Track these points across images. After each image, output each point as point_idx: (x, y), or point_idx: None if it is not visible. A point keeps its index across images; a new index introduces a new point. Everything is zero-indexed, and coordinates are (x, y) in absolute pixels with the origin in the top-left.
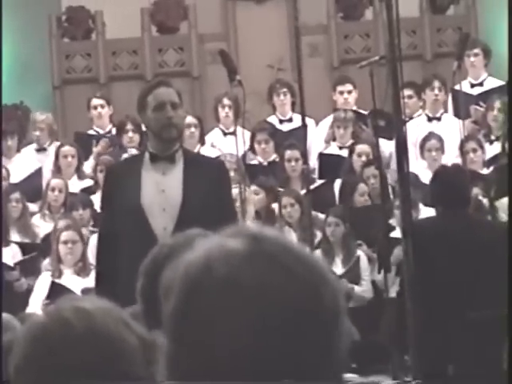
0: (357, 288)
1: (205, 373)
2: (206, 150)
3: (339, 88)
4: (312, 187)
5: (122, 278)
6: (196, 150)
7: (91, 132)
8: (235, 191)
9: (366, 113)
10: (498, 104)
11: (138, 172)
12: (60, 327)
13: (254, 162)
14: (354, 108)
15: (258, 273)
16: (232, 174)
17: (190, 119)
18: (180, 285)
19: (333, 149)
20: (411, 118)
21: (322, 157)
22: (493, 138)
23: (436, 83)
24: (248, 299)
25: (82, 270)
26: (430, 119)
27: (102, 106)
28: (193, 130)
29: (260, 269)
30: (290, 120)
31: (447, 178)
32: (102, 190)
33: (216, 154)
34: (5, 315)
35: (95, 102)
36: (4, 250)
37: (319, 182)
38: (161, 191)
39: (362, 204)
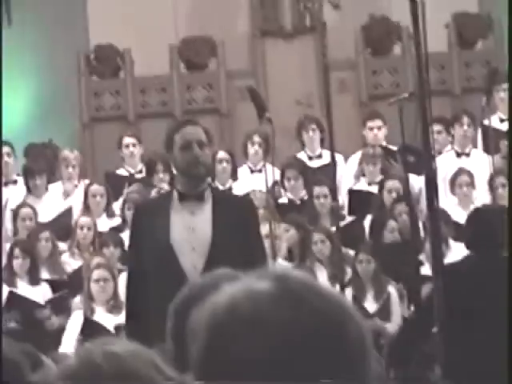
0: (388, 326)
1: None
2: (238, 185)
3: (369, 124)
4: (342, 224)
5: (152, 316)
6: (228, 186)
7: (121, 171)
8: (266, 228)
9: (395, 149)
10: None
11: (166, 211)
12: (91, 372)
13: (284, 199)
14: (384, 143)
15: (283, 311)
16: (262, 211)
17: (222, 154)
18: (205, 326)
19: (362, 185)
20: (440, 154)
21: (351, 193)
22: None
23: (465, 119)
24: (273, 338)
25: (113, 307)
26: (458, 155)
27: (134, 145)
28: (225, 165)
29: (285, 307)
30: (320, 156)
31: (481, 222)
32: (131, 228)
33: (246, 190)
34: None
35: (127, 140)
36: (34, 288)
37: (349, 218)
38: (190, 230)
39: (392, 240)
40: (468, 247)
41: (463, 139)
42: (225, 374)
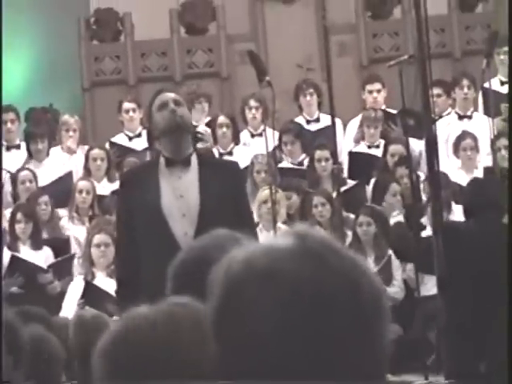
0: (389, 289)
1: (248, 366)
2: (240, 150)
3: (368, 87)
4: (344, 188)
5: (143, 283)
6: (229, 150)
7: (121, 136)
8: (266, 193)
9: (395, 112)
10: None
11: (155, 177)
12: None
13: (285, 163)
14: (383, 107)
15: (299, 267)
16: (263, 175)
17: (222, 119)
18: (222, 279)
19: (362, 148)
20: (440, 117)
21: (351, 155)
22: None
23: (465, 81)
24: (288, 293)
25: (114, 272)
26: (460, 117)
27: (134, 110)
28: (225, 129)
29: (300, 263)
30: (317, 120)
31: (480, 192)
32: (119, 196)
33: (248, 154)
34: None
35: (127, 105)
36: (36, 253)
37: (350, 181)
38: (179, 197)
39: (395, 203)
40: (466, 216)
41: (464, 102)
42: (239, 326)
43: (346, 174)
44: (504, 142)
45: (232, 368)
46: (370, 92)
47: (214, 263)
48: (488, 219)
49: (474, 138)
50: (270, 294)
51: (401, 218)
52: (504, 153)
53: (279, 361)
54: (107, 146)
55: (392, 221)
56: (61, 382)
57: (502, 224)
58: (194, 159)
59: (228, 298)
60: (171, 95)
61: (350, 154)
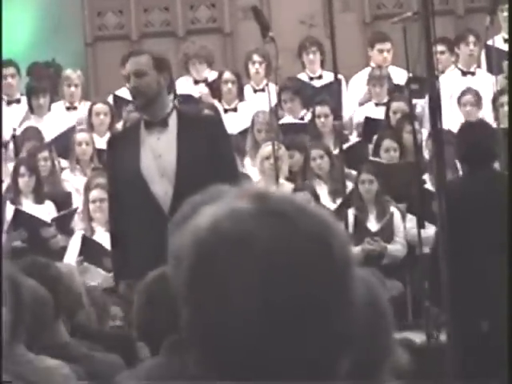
0: (390, 246)
1: (219, 333)
2: (244, 106)
3: (378, 46)
4: (347, 145)
5: (131, 242)
6: (234, 106)
7: (124, 90)
8: (269, 149)
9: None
10: None
11: (136, 139)
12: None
13: (287, 119)
14: (390, 66)
15: (266, 228)
16: (263, 134)
17: (227, 75)
18: (189, 249)
19: (369, 107)
20: (443, 73)
21: (368, 120)
22: None
23: (471, 38)
24: (257, 255)
25: None
26: (464, 73)
27: None
28: (230, 85)
29: (267, 225)
30: (320, 77)
31: (471, 135)
32: (107, 157)
33: (252, 111)
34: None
35: None
36: (39, 207)
37: (353, 139)
38: (158, 157)
39: (389, 160)
40: (461, 162)
41: (469, 58)
42: (210, 293)
43: (349, 132)
44: (505, 99)
45: (201, 332)
46: (381, 51)
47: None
48: (482, 167)
49: (476, 94)
50: (240, 258)
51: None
52: (506, 110)
53: (249, 318)
54: (110, 99)
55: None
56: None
57: (496, 172)
58: (173, 119)
59: (198, 266)
60: (134, 66)
61: (367, 119)
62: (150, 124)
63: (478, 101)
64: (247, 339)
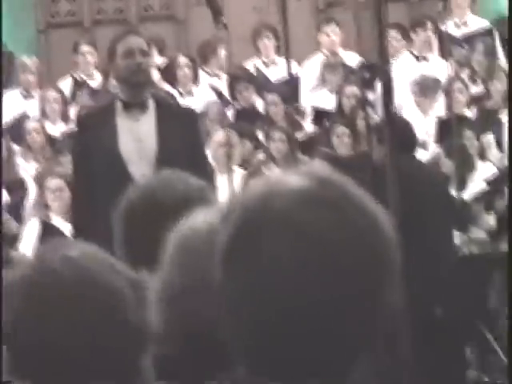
0: None
1: (254, 305)
2: (200, 91)
3: (325, 29)
4: (302, 133)
5: (100, 228)
6: (189, 90)
7: (76, 76)
8: (221, 136)
9: (352, 65)
10: (480, 47)
11: (112, 120)
12: (48, 278)
13: (238, 107)
14: (340, 50)
15: (314, 216)
16: (215, 123)
17: (182, 59)
18: (236, 215)
19: (323, 94)
20: (395, 59)
21: (315, 110)
22: (476, 78)
23: (428, 24)
24: (301, 238)
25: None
26: (417, 58)
27: (91, 54)
28: (186, 70)
29: (317, 212)
30: (275, 63)
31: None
32: (75, 139)
33: (210, 96)
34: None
35: (84, 48)
36: None
37: (307, 127)
38: (137, 139)
39: (341, 146)
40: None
41: (424, 44)
42: (248, 264)
43: (304, 120)
44: (458, 85)
45: (234, 299)
46: (327, 34)
47: (163, 205)
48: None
49: (430, 80)
50: (284, 240)
51: None
52: (458, 95)
53: (283, 296)
54: (65, 84)
55: None
56: None
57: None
58: (151, 103)
59: (243, 232)
60: (138, 43)
61: (313, 108)
62: (128, 105)
63: (432, 86)
64: (277, 310)
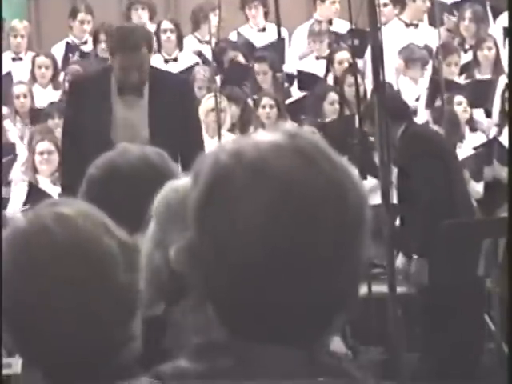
0: None
1: (225, 260)
2: (184, 56)
3: None
4: (289, 100)
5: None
6: (174, 56)
7: (68, 40)
8: (211, 102)
9: (341, 32)
10: (469, 14)
11: (106, 101)
12: (41, 235)
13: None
14: (335, 18)
15: (288, 165)
16: (204, 91)
17: (166, 23)
18: (208, 169)
19: (310, 60)
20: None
21: (300, 74)
22: (466, 46)
23: None
24: (276, 191)
25: (58, 179)
26: (407, 25)
27: (88, 22)
28: (169, 34)
29: (290, 161)
30: (264, 30)
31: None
32: (68, 103)
33: (194, 61)
34: None
35: (81, 16)
36: None
37: (294, 92)
38: (130, 126)
39: (333, 112)
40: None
41: (416, 11)
42: (221, 218)
43: (291, 87)
44: (449, 53)
45: (206, 257)
46: (330, 2)
47: (123, 180)
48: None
49: (420, 48)
50: (257, 189)
51: None
52: (450, 64)
53: (257, 248)
54: (57, 48)
55: None
56: None
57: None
58: (145, 88)
59: (214, 187)
60: (146, 34)
61: (299, 72)
62: (122, 91)
63: (422, 54)
64: (246, 268)
